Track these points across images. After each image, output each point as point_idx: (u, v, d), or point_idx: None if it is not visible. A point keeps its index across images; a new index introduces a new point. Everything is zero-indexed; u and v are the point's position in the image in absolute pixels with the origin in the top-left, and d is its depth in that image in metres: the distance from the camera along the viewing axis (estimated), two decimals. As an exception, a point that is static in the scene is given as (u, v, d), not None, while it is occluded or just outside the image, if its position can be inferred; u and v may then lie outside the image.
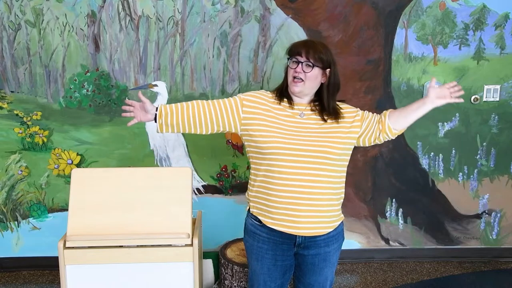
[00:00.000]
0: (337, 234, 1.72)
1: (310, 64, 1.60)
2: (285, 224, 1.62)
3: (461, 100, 1.72)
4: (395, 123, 1.71)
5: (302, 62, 1.61)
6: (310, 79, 1.62)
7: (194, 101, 1.70)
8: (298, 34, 2.77)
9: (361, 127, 1.70)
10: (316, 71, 1.62)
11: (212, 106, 1.68)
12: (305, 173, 1.58)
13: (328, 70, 1.65)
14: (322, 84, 1.67)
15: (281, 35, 2.79)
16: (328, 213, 1.64)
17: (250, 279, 1.81)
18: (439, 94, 1.67)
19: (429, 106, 1.68)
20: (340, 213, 1.73)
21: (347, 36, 2.81)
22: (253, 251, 1.73)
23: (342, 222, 1.75)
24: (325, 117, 1.65)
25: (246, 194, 1.78)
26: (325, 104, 1.66)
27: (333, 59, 1.66)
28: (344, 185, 1.72)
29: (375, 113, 1.76)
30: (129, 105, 1.70)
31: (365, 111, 1.76)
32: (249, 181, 1.75)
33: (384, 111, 1.75)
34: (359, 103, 2.85)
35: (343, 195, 1.73)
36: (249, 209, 1.75)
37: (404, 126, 1.73)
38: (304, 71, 1.61)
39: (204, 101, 1.70)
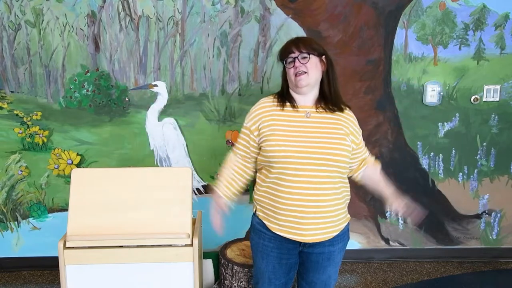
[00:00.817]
0: (343, 234, 1.71)
1: (306, 55, 1.61)
2: (291, 231, 1.62)
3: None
4: (364, 178, 1.80)
5: (297, 57, 1.62)
6: (311, 68, 1.62)
7: (227, 164, 1.80)
8: (298, 34, 2.76)
9: (353, 148, 1.70)
10: (314, 59, 1.63)
11: (240, 156, 1.77)
12: (313, 182, 1.58)
13: (323, 56, 1.66)
14: (323, 74, 1.68)
15: (281, 35, 2.79)
16: (335, 217, 1.64)
17: (254, 276, 1.82)
18: (398, 207, 1.73)
19: (388, 201, 1.76)
20: (346, 215, 1.73)
21: (347, 36, 2.81)
22: (259, 249, 1.73)
23: (348, 222, 1.75)
24: (330, 106, 1.65)
25: (253, 194, 1.79)
26: (326, 90, 1.66)
27: (323, 48, 1.68)
28: (349, 186, 1.72)
29: (367, 151, 1.81)
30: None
31: (363, 141, 1.78)
32: (257, 182, 1.75)
33: (369, 158, 1.81)
34: (359, 103, 2.86)
35: (349, 196, 1.74)
36: (255, 210, 1.75)
37: (367, 186, 1.82)
38: (302, 64, 1.61)
39: (232, 156, 1.80)
